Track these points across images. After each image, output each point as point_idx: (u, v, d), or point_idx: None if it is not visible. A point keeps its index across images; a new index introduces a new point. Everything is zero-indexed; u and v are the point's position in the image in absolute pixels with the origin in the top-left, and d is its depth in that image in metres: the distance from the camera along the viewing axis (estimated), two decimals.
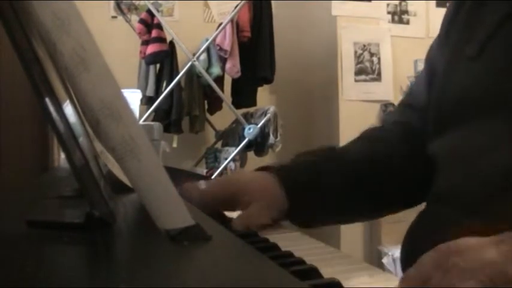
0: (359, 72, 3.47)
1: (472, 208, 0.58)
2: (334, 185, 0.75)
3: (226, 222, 0.66)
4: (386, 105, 3.49)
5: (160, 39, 3.14)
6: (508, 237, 0.41)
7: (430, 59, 0.81)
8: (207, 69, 3.14)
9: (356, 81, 3.47)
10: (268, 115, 3.08)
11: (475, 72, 0.65)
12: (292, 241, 0.58)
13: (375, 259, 3.14)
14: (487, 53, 0.64)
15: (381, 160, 0.78)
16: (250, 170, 0.73)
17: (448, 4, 0.78)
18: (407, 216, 0.76)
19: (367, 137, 0.84)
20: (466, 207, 0.60)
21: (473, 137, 0.63)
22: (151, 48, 3.10)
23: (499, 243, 0.40)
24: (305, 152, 0.79)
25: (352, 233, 3.15)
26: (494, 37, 0.63)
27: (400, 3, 3.61)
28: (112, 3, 3.54)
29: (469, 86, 0.66)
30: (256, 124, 3.08)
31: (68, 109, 0.39)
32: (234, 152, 3.10)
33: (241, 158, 3.23)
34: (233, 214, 0.70)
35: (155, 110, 3.11)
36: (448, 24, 0.75)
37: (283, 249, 0.51)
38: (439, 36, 0.77)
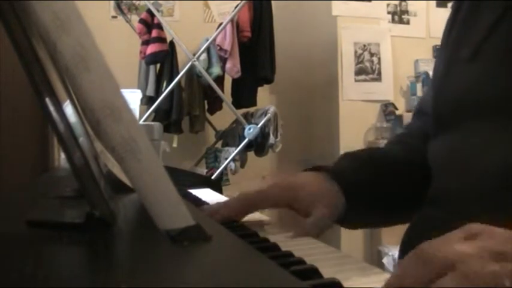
0: (359, 72, 3.47)
1: (467, 209, 0.58)
2: (388, 186, 0.75)
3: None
4: (386, 105, 3.49)
5: (161, 39, 3.14)
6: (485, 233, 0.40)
7: (435, 65, 0.81)
8: (207, 69, 3.14)
9: (356, 81, 3.47)
10: (268, 115, 3.08)
11: (470, 75, 0.65)
12: (293, 241, 0.58)
13: (374, 259, 3.14)
14: (481, 55, 0.64)
15: (416, 163, 0.78)
16: (301, 172, 0.73)
17: (451, 4, 0.78)
18: None
19: (401, 141, 0.86)
20: (461, 208, 0.60)
21: (468, 139, 0.63)
22: (151, 48, 3.10)
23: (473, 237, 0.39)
24: (349, 153, 0.79)
25: (352, 233, 3.13)
26: (488, 39, 0.63)
27: (400, 3, 3.61)
28: (112, 3, 3.54)
29: (465, 88, 0.66)
30: (256, 124, 3.08)
31: (68, 109, 0.39)
32: (234, 152, 3.10)
33: (241, 158, 3.24)
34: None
35: (155, 110, 3.11)
36: (449, 25, 0.75)
37: (283, 249, 0.51)
38: (442, 36, 0.77)
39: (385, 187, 0.75)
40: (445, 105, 0.69)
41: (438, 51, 0.79)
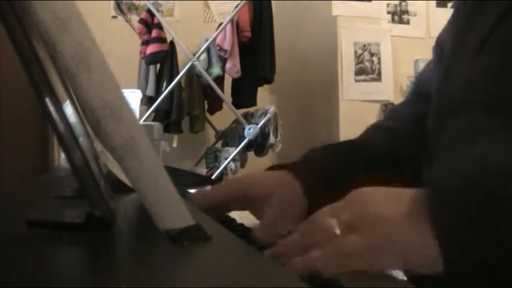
0: (359, 72, 3.47)
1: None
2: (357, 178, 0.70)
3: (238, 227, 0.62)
4: (386, 105, 3.49)
5: (160, 39, 3.14)
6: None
7: (439, 45, 0.77)
8: (207, 69, 3.14)
9: (356, 81, 3.47)
10: (268, 115, 3.08)
11: (474, 71, 0.63)
12: None
13: None
14: (489, 46, 0.61)
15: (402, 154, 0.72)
16: (259, 171, 0.67)
17: (451, 4, 0.77)
18: None
19: (385, 127, 0.79)
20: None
21: (475, 129, 0.62)
22: (151, 48, 3.10)
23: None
24: (319, 147, 0.73)
25: None
26: (496, 29, 0.60)
27: (400, 3, 3.61)
28: (112, 3, 3.54)
29: (468, 85, 0.63)
30: (256, 124, 3.08)
31: (68, 109, 0.39)
32: (234, 152, 3.10)
33: (241, 158, 3.24)
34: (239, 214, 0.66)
35: (155, 110, 3.11)
36: (451, 23, 0.73)
37: None
38: (443, 33, 0.75)
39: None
40: (446, 103, 0.66)
41: (443, 38, 0.74)
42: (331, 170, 0.68)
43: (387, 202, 0.43)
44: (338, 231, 0.42)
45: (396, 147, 0.73)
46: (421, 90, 0.77)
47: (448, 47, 0.69)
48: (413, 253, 0.41)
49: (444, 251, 0.40)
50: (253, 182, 0.63)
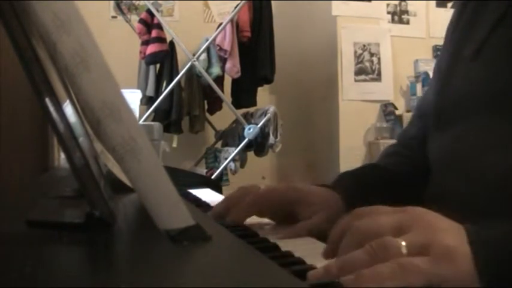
0: (359, 72, 3.47)
1: (466, 208, 0.58)
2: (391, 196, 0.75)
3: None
4: (386, 105, 3.49)
5: (160, 39, 3.14)
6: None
7: (437, 64, 0.82)
8: (207, 69, 3.14)
9: (356, 81, 3.47)
10: (268, 115, 3.08)
11: (473, 73, 0.66)
12: (293, 241, 0.58)
13: None
14: (483, 54, 0.64)
15: (415, 173, 0.78)
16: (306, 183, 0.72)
17: (451, 4, 0.80)
18: None
19: (396, 153, 0.86)
20: (460, 207, 0.60)
21: (469, 138, 0.63)
22: (151, 48, 3.10)
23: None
24: (346, 173, 0.79)
25: None
26: (490, 39, 0.64)
27: (400, 3, 3.61)
28: (112, 3, 3.54)
29: (467, 87, 0.66)
30: (256, 124, 3.08)
31: (68, 109, 0.39)
32: (234, 152, 3.10)
33: (241, 158, 3.24)
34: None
35: (155, 110, 3.11)
36: (452, 25, 0.75)
37: (283, 249, 0.51)
38: (445, 38, 0.78)
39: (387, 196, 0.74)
40: (447, 102, 0.69)
41: (441, 50, 0.79)
42: (366, 183, 0.76)
43: (454, 236, 0.44)
44: (405, 252, 0.43)
45: (409, 170, 0.81)
46: (421, 112, 0.85)
47: (444, 63, 0.74)
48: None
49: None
50: (310, 190, 0.69)
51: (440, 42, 0.79)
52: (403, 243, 0.43)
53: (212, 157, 3.31)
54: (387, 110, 3.47)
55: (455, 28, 0.74)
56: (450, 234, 0.44)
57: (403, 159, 0.83)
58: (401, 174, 0.80)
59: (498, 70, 0.62)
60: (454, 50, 0.72)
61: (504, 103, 0.60)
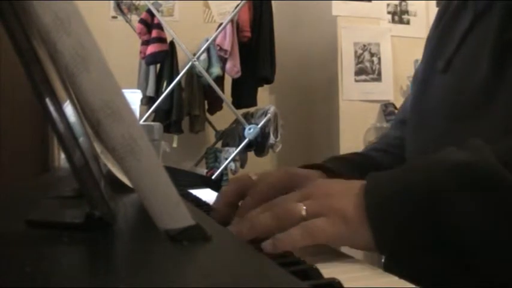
0: (359, 72, 3.47)
1: None
2: None
3: None
4: (386, 105, 3.49)
5: (160, 39, 3.14)
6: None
7: (415, 73, 0.88)
8: (207, 69, 3.14)
9: (356, 81, 3.47)
10: (268, 115, 3.08)
11: (443, 85, 0.70)
12: None
13: (375, 259, 3.14)
14: (452, 66, 0.69)
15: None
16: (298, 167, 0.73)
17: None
18: None
19: (382, 149, 0.89)
20: None
21: (432, 146, 0.66)
22: (151, 49, 3.10)
23: None
24: (336, 156, 0.81)
25: None
26: (458, 51, 0.69)
27: (400, 3, 3.61)
28: (112, 3, 3.54)
29: (439, 98, 0.71)
30: (257, 124, 3.08)
31: (68, 109, 0.39)
32: (234, 152, 3.10)
33: (241, 158, 3.24)
34: None
35: (155, 110, 3.11)
36: (431, 30, 0.81)
37: None
38: (426, 40, 0.83)
39: None
40: (422, 112, 0.74)
41: (422, 55, 0.83)
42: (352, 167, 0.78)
43: (348, 199, 0.50)
44: (305, 214, 0.50)
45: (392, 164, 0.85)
46: (401, 117, 0.90)
47: (420, 72, 0.79)
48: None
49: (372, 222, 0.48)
50: (307, 174, 0.71)
51: None
52: (304, 207, 0.50)
53: (212, 157, 3.30)
54: (387, 110, 3.47)
55: (434, 33, 0.79)
56: (344, 198, 0.50)
57: (388, 154, 0.86)
58: (387, 165, 0.82)
59: (464, 83, 0.66)
60: (428, 61, 0.77)
61: (465, 112, 0.65)
